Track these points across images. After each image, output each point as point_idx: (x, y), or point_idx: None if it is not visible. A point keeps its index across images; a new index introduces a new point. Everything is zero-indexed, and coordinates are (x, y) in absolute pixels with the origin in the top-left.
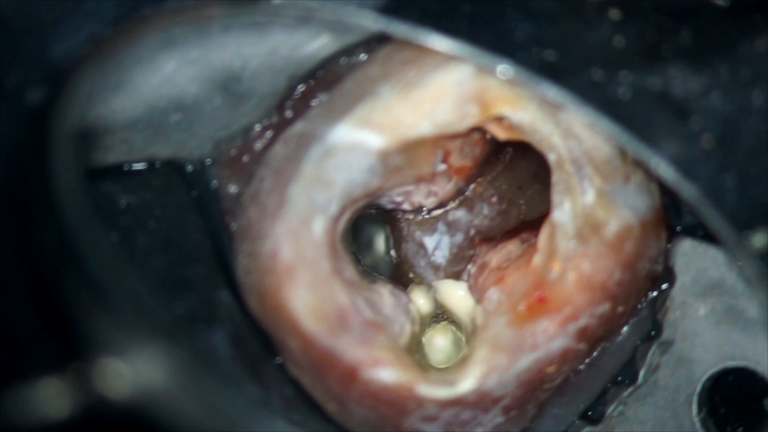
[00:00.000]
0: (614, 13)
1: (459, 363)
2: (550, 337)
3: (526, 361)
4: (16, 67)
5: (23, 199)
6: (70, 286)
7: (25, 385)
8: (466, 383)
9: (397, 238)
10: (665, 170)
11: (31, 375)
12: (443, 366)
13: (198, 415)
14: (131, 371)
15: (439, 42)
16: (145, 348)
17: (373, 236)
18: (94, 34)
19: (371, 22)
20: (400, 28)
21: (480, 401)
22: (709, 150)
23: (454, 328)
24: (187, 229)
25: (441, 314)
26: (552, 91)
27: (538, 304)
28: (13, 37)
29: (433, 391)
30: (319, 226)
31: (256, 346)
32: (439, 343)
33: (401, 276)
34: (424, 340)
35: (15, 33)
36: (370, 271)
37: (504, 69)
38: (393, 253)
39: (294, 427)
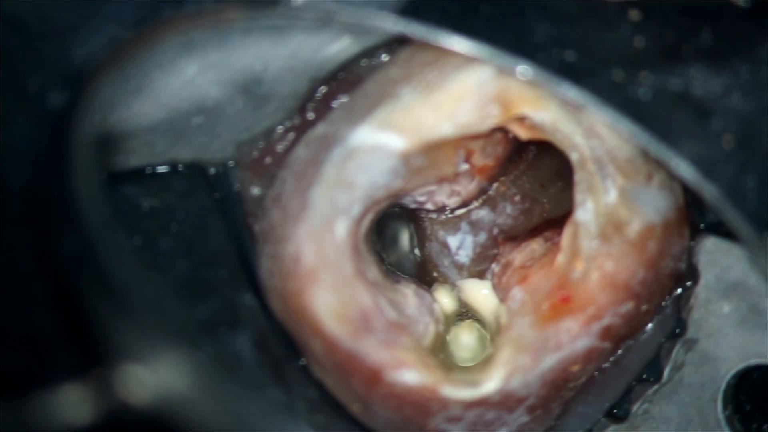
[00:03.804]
0: (634, 14)
1: (483, 363)
2: (574, 337)
3: (550, 361)
4: (37, 71)
5: (44, 204)
6: (91, 293)
7: (47, 391)
8: (490, 384)
9: (420, 237)
10: (686, 171)
11: (53, 381)
12: (469, 364)
13: (220, 421)
14: (153, 377)
15: (458, 43)
16: (166, 354)
17: (397, 233)
18: (115, 37)
19: (391, 24)
20: (419, 30)
21: (504, 401)
22: (730, 150)
23: (478, 326)
24: (210, 232)
25: (465, 312)
26: (572, 92)
27: (562, 304)
28: (33, 41)
29: (457, 392)
30: (341, 229)
31: (280, 348)
32: (465, 339)
33: (425, 275)
34: (448, 338)
35: (36, 37)
36: (394, 270)
37: (524, 70)
38: (417, 251)
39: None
